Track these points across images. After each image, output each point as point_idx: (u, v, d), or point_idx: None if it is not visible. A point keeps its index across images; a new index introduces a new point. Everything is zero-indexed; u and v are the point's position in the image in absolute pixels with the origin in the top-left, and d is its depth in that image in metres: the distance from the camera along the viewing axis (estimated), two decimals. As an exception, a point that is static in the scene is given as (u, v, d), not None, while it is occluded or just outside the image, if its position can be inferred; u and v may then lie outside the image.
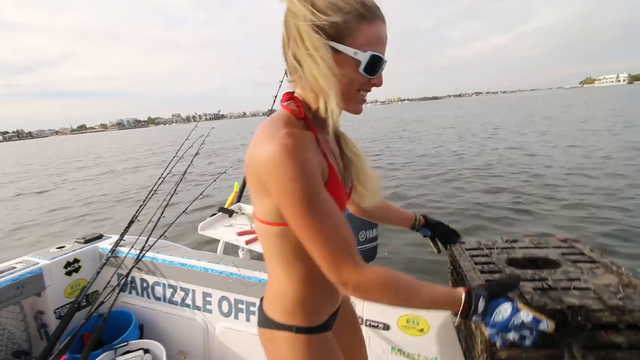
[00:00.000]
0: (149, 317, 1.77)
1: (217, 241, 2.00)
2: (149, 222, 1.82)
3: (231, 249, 1.84)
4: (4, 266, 1.63)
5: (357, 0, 0.64)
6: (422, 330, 1.28)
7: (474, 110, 40.16)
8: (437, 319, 1.26)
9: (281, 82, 2.40)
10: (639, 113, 18.70)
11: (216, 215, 1.76)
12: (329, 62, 0.64)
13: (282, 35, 0.71)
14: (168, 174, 2.02)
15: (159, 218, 1.81)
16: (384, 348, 1.35)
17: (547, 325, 0.65)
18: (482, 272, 0.92)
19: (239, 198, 1.94)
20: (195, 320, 1.68)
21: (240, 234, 1.58)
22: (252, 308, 1.57)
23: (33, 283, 1.61)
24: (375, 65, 0.66)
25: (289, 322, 0.77)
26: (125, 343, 1.52)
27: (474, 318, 0.68)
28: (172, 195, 1.89)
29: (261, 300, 0.87)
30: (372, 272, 0.66)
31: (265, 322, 0.81)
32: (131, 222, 1.88)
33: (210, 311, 1.66)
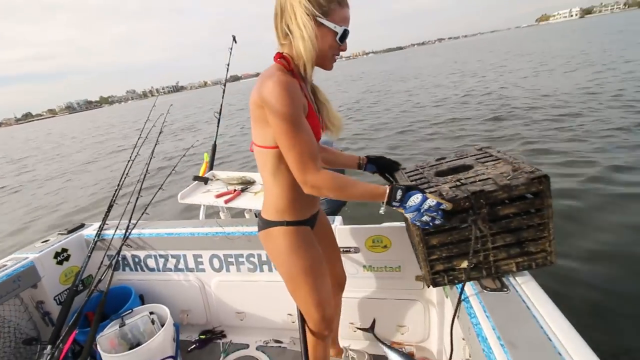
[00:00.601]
0: (147, 287, 1.92)
1: (197, 212, 2.14)
2: (127, 204, 1.92)
3: (212, 214, 1.99)
4: None
5: None
6: (385, 246, 1.54)
7: (450, 56, 38.32)
8: (395, 235, 1.52)
9: (231, 49, 2.45)
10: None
11: (193, 184, 1.88)
12: (312, 36, 0.91)
13: (275, 8, 0.96)
14: (136, 156, 2.08)
15: (137, 198, 1.91)
16: (357, 268, 1.61)
17: (444, 206, 0.93)
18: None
19: (211, 166, 2.06)
20: (191, 281, 1.85)
21: (219, 196, 1.73)
22: (240, 259, 1.77)
23: (28, 275, 1.70)
24: (345, 36, 0.96)
25: (280, 218, 1.07)
26: (130, 310, 1.68)
27: (394, 204, 0.95)
28: (146, 174, 1.98)
29: (259, 213, 1.15)
30: (326, 175, 0.94)
31: (263, 224, 1.11)
32: (110, 206, 1.96)
33: (203, 270, 1.84)
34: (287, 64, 0.97)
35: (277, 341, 1.81)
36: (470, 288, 1.04)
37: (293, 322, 1.75)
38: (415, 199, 0.93)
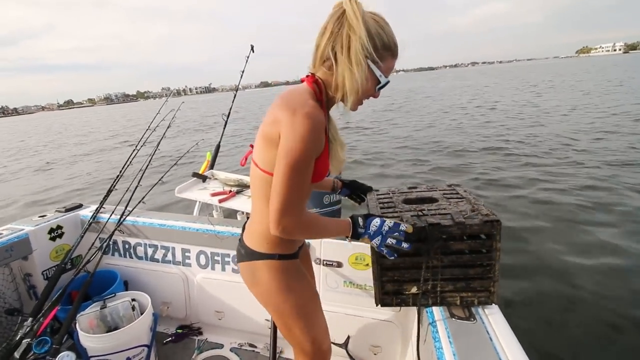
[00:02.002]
0: (133, 274, 1.96)
1: (192, 209, 2.20)
2: (126, 191, 1.98)
3: (205, 211, 2.04)
4: None
5: (394, 40, 0.90)
6: (367, 264, 1.58)
7: (482, 80, 38.52)
8: None
9: (247, 57, 2.55)
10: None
11: (191, 180, 1.94)
12: (363, 78, 0.85)
13: (325, 25, 0.86)
14: (142, 146, 2.15)
15: (137, 186, 1.97)
16: (338, 282, 1.64)
17: (405, 227, 0.96)
18: (382, 208, 1.21)
19: (211, 165, 2.13)
20: (176, 274, 1.89)
21: (214, 194, 1.79)
22: (226, 259, 1.81)
23: (20, 247, 1.75)
24: (384, 86, 0.92)
25: (272, 251, 0.98)
26: (113, 294, 1.71)
27: (360, 230, 0.96)
28: (148, 164, 2.05)
29: (240, 241, 1.06)
30: (305, 220, 0.88)
31: (248, 255, 1.01)
32: (110, 191, 2.02)
33: (189, 265, 1.88)
34: (318, 93, 0.90)
35: (251, 345, 1.83)
36: (439, 314, 1.08)
37: (269, 327, 1.77)
38: (375, 223, 0.96)
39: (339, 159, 1.00)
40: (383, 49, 0.87)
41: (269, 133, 0.87)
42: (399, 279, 1.12)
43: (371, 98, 0.98)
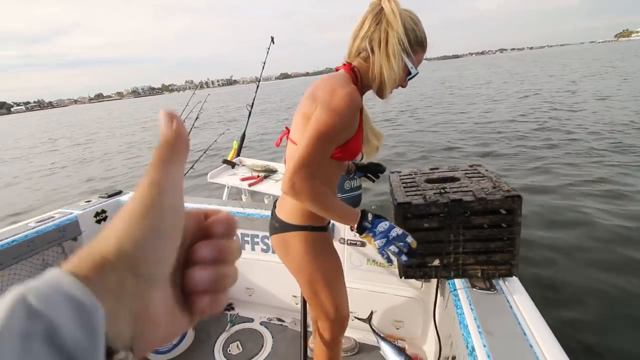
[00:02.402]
0: None
1: (221, 194, 2.33)
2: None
3: (234, 196, 2.17)
4: (45, 216, 1.93)
5: (425, 35, 0.98)
6: (390, 243, 1.65)
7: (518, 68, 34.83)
8: None
9: (268, 48, 2.63)
10: None
11: (221, 166, 2.07)
12: (399, 69, 0.94)
13: (363, 20, 0.95)
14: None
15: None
16: (361, 260, 1.73)
17: (411, 239, 0.92)
18: (405, 187, 1.27)
19: (238, 153, 2.24)
20: None
21: (243, 179, 1.90)
22: (256, 239, 1.93)
23: (71, 228, 1.92)
24: (414, 77, 1.00)
25: (305, 223, 1.05)
26: (154, 271, 1.87)
27: (366, 225, 0.94)
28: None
29: (273, 214, 1.15)
30: (314, 185, 0.90)
31: (282, 227, 1.09)
32: (146, 178, 2.17)
33: None
34: (355, 79, 0.98)
35: (279, 319, 1.95)
36: (461, 286, 1.14)
37: (297, 303, 1.89)
38: (384, 225, 0.93)
39: (372, 145, 1.11)
40: (416, 43, 0.96)
41: (308, 111, 0.94)
42: (422, 252, 1.19)
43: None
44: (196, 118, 2.38)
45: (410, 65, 0.96)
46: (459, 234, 1.12)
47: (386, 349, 1.64)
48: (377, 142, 1.11)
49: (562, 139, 6.55)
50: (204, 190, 5.23)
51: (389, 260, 0.95)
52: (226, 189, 2.14)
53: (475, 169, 1.39)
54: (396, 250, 0.92)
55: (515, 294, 1.08)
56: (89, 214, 2.03)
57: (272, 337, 1.84)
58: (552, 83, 16.84)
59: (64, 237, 1.90)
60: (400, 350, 1.63)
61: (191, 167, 2.14)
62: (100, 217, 2.09)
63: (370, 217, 0.95)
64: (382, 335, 1.71)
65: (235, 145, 2.29)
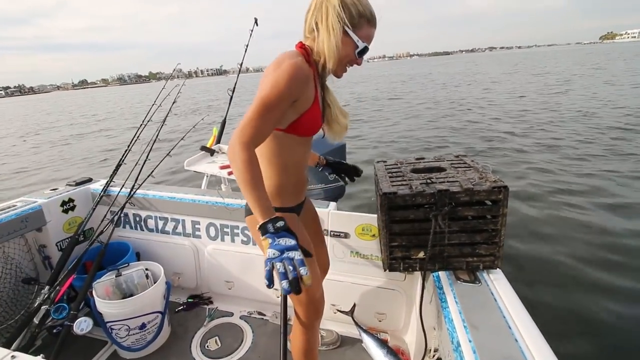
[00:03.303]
0: (144, 246, 2.01)
1: (199, 183, 2.23)
2: (135, 165, 2.00)
3: (213, 185, 2.07)
4: (5, 205, 1.78)
5: (369, 10, 0.99)
6: (374, 235, 1.62)
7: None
8: None
9: (251, 30, 2.52)
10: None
11: (199, 154, 1.97)
12: (338, 41, 0.97)
13: (310, 3, 1.01)
14: (148, 121, 2.15)
15: (145, 159, 1.99)
16: (345, 252, 1.69)
17: (306, 272, 0.75)
18: (390, 177, 1.23)
19: (218, 140, 2.14)
20: (186, 246, 1.94)
21: (223, 167, 1.81)
22: (235, 230, 1.85)
23: (34, 218, 1.79)
24: (363, 52, 1.01)
25: (272, 205, 0.98)
26: (126, 264, 1.77)
27: (269, 228, 0.81)
28: (155, 140, 2.06)
29: None
30: (249, 154, 0.85)
31: None
32: (119, 165, 2.04)
33: (199, 237, 1.93)
34: (306, 55, 1.01)
35: (260, 313, 1.90)
36: (445, 279, 1.12)
37: (277, 296, 1.84)
38: (289, 241, 0.81)
39: (341, 123, 1.12)
40: (358, 16, 0.98)
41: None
42: (407, 245, 1.15)
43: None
44: (173, 102, 2.24)
45: (355, 38, 0.98)
46: (444, 225, 1.09)
47: (368, 342, 1.62)
48: (344, 119, 1.13)
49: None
50: (180, 180, 5.06)
51: (269, 279, 0.78)
52: (205, 177, 2.05)
53: (461, 160, 1.36)
54: (282, 270, 0.76)
55: (499, 286, 1.06)
56: (54, 203, 1.89)
57: (253, 332, 1.78)
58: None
59: (27, 227, 1.76)
60: (383, 343, 1.61)
61: (167, 154, 2.02)
62: (67, 206, 1.96)
63: (280, 224, 0.83)
64: (364, 327, 1.69)
65: (215, 131, 2.19)
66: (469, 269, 1.14)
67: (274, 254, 0.78)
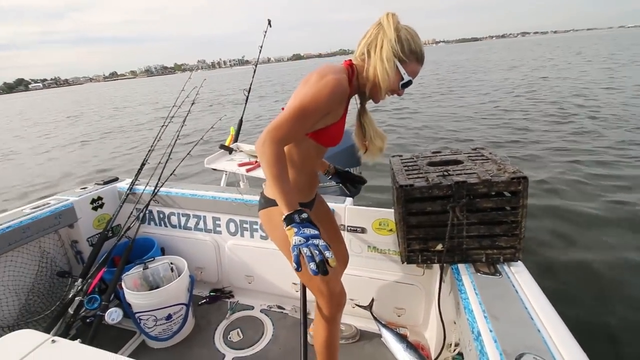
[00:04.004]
0: (168, 242, 2.09)
1: (219, 181, 2.29)
2: (158, 164, 2.08)
3: (232, 183, 2.13)
4: (40, 202, 1.90)
5: (420, 49, 1.06)
6: (391, 230, 1.62)
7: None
8: None
9: (265, 32, 2.56)
10: None
11: (218, 152, 2.02)
12: (391, 72, 1.02)
13: (368, 31, 1.07)
14: (170, 122, 2.23)
15: (167, 159, 2.07)
16: (362, 247, 1.70)
17: (331, 255, 0.80)
18: (406, 170, 1.23)
19: (236, 139, 2.19)
20: (207, 241, 2.00)
21: (241, 165, 1.86)
22: (254, 226, 1.89)
23: (67, 215, 1.89)
24: (407, 85, 1.07)
25: None
26: (152, 258, 1.85)
27: (294, 218, 0.87)
28: (177, 139, 2.13)
29: (261, 193, 1.21)
30: (278, 150, 0.92)
31: (265, 202, 1.17)
32: (143, 164, 2.13)
33: (220, 232, 1.98)
34: (351, 74, 1.07)
35: (279, 307, 1.94)
36: (465, 271, 1.11)
37: (297, 291, 1.87)
38: (312, 231, 0.85)
39: (376, 146, 1.16)
40: (409, 52, 1.04)
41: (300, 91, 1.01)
42: (424, 237, 1.15)
43: None
44: (192, 103, 2.31)
45: (402, 71, 1.04)
46: (462, 217, 1.08)
47: (388, 337, 1.63)
48: (381, 143, 1.17)
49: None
50: (200, 177, 5.19)
51: (297, 264, 0.82)
52: (224, 175, 2.10)
53: (479, 152, 1.34)
54: (309, 254, 0.80)
55: (520, 278, 1.05)
56: (84, 201, 1.99)
57: (273, 325, 1.83)
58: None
59: (60, 223, 1.87)
60: (402, 338, 1.61)
61: (188, 153, 2.09)
62: (97, 204, 2.06)
63: (304, 216, 0.88)
64: (383, 322, 1.70)
65: (232, 130, 2.24)
66: (488, 261, 1.13)
67: (300, 241, 0.83)
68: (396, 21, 1.03)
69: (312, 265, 0.79)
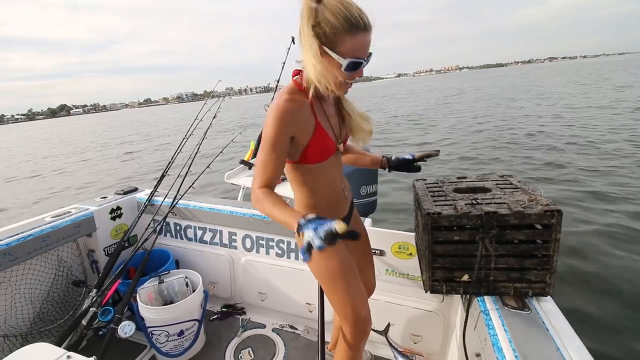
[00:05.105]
0: (183, 254, 2.09)
1: (236, 195, 2.29)
2: (177, 177, 2.10)
3: (249, 198, 2.13)
4: (62, 210, 1.93)
5: (347, 18, 0.86)
6: (410, 254, 1.59)
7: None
8: None
9: (288, 49, 2.60)
10: None
11: (238, 167, 2.04)
12: (318, 64, 0.90)
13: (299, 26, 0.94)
14: (190, 134, 2.26)
15: (187, 172, 2.09)
16: (380, 270, 1.66)
17: (337, 224, 0.73)
18: (432, 196, 1.21)
19: (254, 154, 2.21)
20: (222, 256, 2.00)
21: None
22: (271, 243, 1.88)
23: (86, 224, 1.91)
24: (354, 66, 0.91)
25: None
26: (167, 272, 1.84)
27: (301, 228, 0.79)
28: (196, 153, 2.16)
29: None
30: (261, 191, 0.93)
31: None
32: (162, 176, 2.15)
33: (235, 247, 1.97)
34: (300, 83, 1.01)
35: (292, 327, 1.90)
36: (491, 304, 1.07)
37: (310, 311, 1.83)
38: (320, 220, 0.78)
39: (364, 129, 1.11)
40: (333, 33, 0.87)
41: None
42: (450, 267, 1.12)
43: None
44: (209, 126, 2.32)
45: (336, 56, 0.88)
46: (491, 248, 1.05)
47: None
48: (367, 125, 1.13)
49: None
50: (217, 191, 5.24)
51: (305, 252, 0.77)
52: (241, 190, 2.11)
53: (507, 180, 1.32)
54: (312, 233, 0.75)
55: (550, 314, 1.00)
56: (104, 211, 2.02)
57: (285, 345, 1.79)
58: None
59: (79, 232, 1.89)
60: None
61: (207, 167, 2.10)
62: (116, 213, 2.08)
63: (310, 216, 0.81)
64: (399, 349, 1.65)
65: (252, 145, 2.26)
66: (516, 295, 1.09)
67: (308, 234, 0.76)
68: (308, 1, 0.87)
69: (317, 241, 0.73)
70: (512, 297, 1.09)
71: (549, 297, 1.09)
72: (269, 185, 0.96)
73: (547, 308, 1.03)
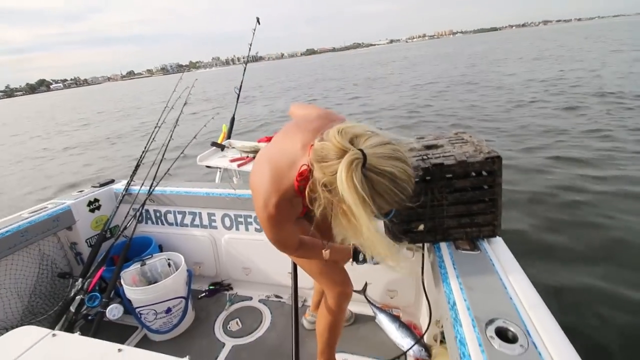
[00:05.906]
0: (165, 239, 2.14)
1: (213, 177, 2.33)
2: (152, 164, 2.12)
3: (226, 179, 2.18)
4: (38, 207, 1.94)
5: (398, 202, 0.76)
6: (380, 215, 1.68)
7: None
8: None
9: (254, 30, 2.59)
10: None
11: (211, 149, 2.07)
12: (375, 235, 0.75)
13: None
14: (162, 123, 2.27)
15: (162, 159, 2.11)
16: None
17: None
18: None
19: (228, 136, 2.24)
20: (204, 237, 2.06)
21: (233, 160, 1.91)
22: (249, 219, 1.95)
23: (65, 218, 1.94)
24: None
25: None
26: (150, 256, 1.89)
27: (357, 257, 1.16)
28: (170, 139, 2.17)
29: None
30: (301, 250, 1.08)
31: None
32: (137, 165, 2.17)
33: (215, 227, 2.03)
34: (301, 190, 0.85)
35: (277, 296, 2.00)
36: (446, 249, 1.17)
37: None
38: None
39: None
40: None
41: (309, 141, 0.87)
42: (407, 219, 1.20)
43: None
44: (185, 103, 2.34)
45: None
46: (442, 198, 1.14)
47: (382, 318, 1.69)
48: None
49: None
50: (194, 175, 5.21)
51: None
52: (218, 172, 2.15)
53: (459, 136, 1.40)
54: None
55: (498, 253, 1.11)
56: (81, 203, 2.04)
57: (271, 313, 1.88)
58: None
59: (59, 226, 1.91)
60: (395, 318, 1.67)
61: (182, 152, 2.13)
62: (94, 205, 2.11)
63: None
64: (377, 305, 1.76)
65: (224, 128, 2.29)
66: (469, 238, 1.19)
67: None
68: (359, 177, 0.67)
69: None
70: (465, 241, 1.19)
71: (499, 238, 1.19)
72: (297, 245, 1.06)
73: (497, 248, 1.14)
